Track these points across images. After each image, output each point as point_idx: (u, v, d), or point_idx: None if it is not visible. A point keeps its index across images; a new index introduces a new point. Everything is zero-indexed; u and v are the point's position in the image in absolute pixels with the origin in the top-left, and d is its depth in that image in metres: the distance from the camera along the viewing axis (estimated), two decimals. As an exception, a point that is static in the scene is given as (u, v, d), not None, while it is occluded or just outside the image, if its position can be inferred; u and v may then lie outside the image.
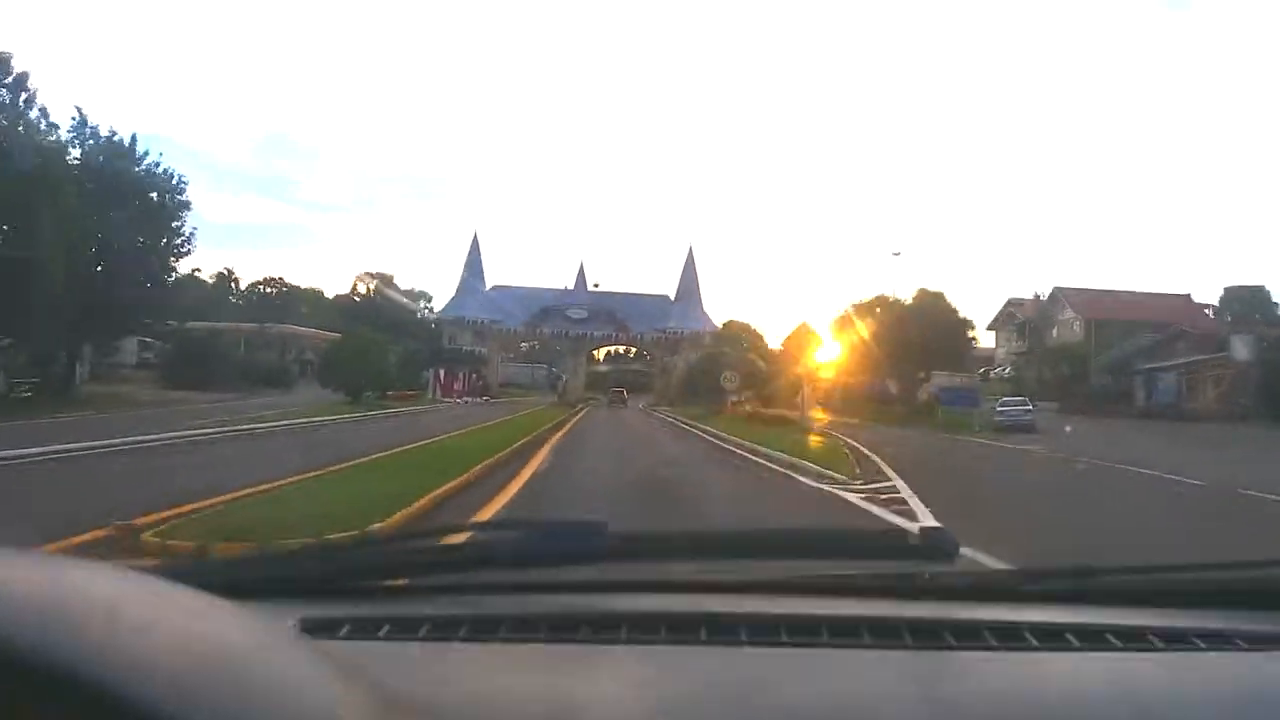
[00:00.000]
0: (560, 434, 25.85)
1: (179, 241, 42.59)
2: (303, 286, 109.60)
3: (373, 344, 45.39)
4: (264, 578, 1.26)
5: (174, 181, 42.23)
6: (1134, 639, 1.10)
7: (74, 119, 40.04)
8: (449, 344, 71.39)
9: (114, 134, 40.80)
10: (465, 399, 59.28)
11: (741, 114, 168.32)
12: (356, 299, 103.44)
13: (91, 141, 40.29)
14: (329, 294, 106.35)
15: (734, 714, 0.87)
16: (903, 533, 1.40)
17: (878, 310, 50.36)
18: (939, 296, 50.52)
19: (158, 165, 41.79)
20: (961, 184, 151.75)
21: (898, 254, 69.38)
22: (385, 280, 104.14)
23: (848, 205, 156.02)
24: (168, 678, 0.50)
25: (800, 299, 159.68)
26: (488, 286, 74.16)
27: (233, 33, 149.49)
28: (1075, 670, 1.03)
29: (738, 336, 44.81)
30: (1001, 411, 39.98)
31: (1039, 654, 1.06)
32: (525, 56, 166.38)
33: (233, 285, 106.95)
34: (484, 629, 1.08)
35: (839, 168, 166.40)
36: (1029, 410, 39.94)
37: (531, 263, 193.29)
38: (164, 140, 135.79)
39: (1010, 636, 1.09)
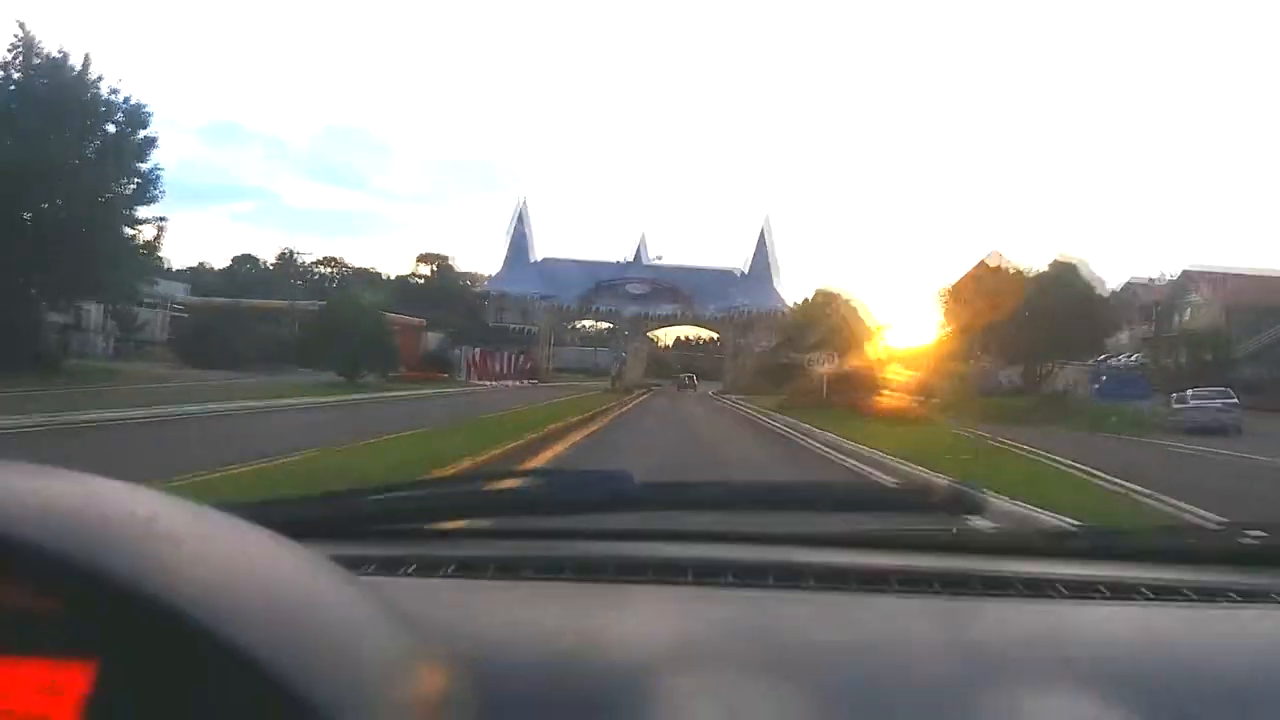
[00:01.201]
0: (574, 439, 15.67)
1: (140, 185, 33.29)
2: (368, 268, 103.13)
3: (364, 314, 35.29)
4: (288, 520, 1.11)
5: (137, 113, 33.04)
6: (1166, 592, 1.06)
7: (16, 37, 31.21)
8: (494, 322, 61.75)
9: (63, 54, 31.83)
10: (504, 382, 49.76)
11: (822, 67, 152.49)
12: (419, 280, 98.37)
13: (38, 61, 31.38)
14: (391, 276, 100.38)
15: (762, 652, 0.85)
16: (928, 487, 1.30)
17: (997, 281, 38.96)
18: (1077, 267, 38.97)
19: (116, 93, 32.64)
20: (1072, 160, 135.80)
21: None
22: (443, 261, 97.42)
23: (945, 176, 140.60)
24: (206, 587, 0.49)
25: (891, 277, 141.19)
26: (538, 259, 64.27)
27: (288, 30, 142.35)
28: (1106, 620, 1.00)
29: (830, 308, 33.91)
30: (1194, 406, 28.83)
31: (1069, 604, 1.03)
32: (582, 17, 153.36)
33: (296, 265, 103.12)
34: (509, 569, 1.06)
35: (933, 131, 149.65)
36: (1233, 404, 28.71)
37: (588, 238, 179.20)
38: (240, 129, 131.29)
39: (1041, 587, 1.06)
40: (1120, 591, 1.05)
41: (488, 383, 46.70)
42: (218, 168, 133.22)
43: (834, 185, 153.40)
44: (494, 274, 64.15)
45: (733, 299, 61.24)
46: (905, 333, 39.93)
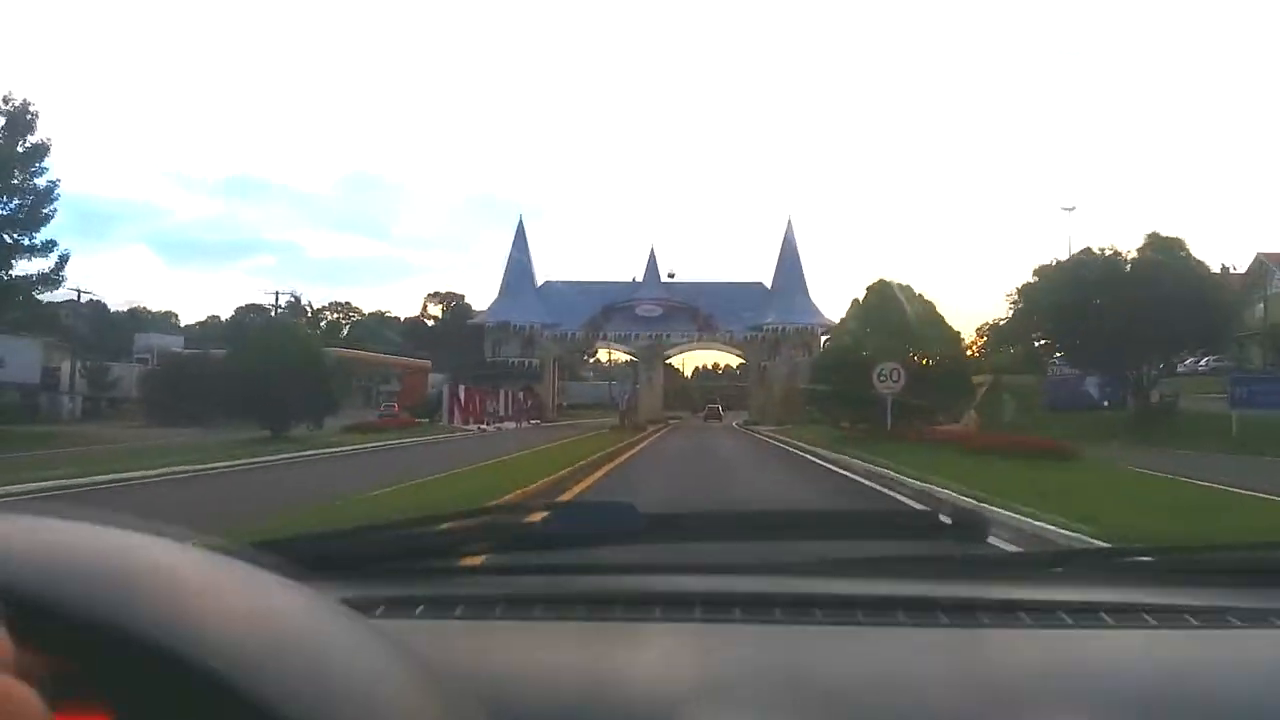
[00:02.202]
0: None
1: (31, 203, 26.33)
2: (380, 311, 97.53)
3: (291, 354, 27.77)
4: (293, 559, 1.13)
5: (20, 117, 26.07)
6: (1169, 616, 1.05)
7: None
8: (493, 356, 54.06)
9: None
10: (500, 425, 42.04)
11: (846, 50, 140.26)
12: (430, 320, 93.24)
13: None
14: (403, 319, 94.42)
15: (772, 688, 0.85)
16: (934, 513, 1.29)
17: (1084, 271, 30.80)
18: (1177, 246, 30.72)
19: (-9, 92, 25.74)
20: (1128, 134, 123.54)
21: (1071, 209, 48.49)
22: (457, 300, 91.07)
23: (979, 164, 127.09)
24: (233, 643, 0.49)
25: (938, 280, 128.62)
26: (538, 283, 56.54)
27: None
28: (1111, 646, 0.99)
29: (892, 308, 25.73)
30: None
31: (1074, 631, 1.02)
32: (582, 21, 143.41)
33: (307, 313, 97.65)
34: (519, 607, 1.05)
35: (966, 114, 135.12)
36: None
37: (594, 258, 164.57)
38: (264, 184, 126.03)
39: (1045, 614, 1.05)
40: (1124, 616, 1.03)
41: (476, 426, 38.87)
42: (237, 224, 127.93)
43: (862, 181, 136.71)
44: (491, 303, 56.33)
45: (759, 316, 53.22)
46: (966, 341, 31.86)
